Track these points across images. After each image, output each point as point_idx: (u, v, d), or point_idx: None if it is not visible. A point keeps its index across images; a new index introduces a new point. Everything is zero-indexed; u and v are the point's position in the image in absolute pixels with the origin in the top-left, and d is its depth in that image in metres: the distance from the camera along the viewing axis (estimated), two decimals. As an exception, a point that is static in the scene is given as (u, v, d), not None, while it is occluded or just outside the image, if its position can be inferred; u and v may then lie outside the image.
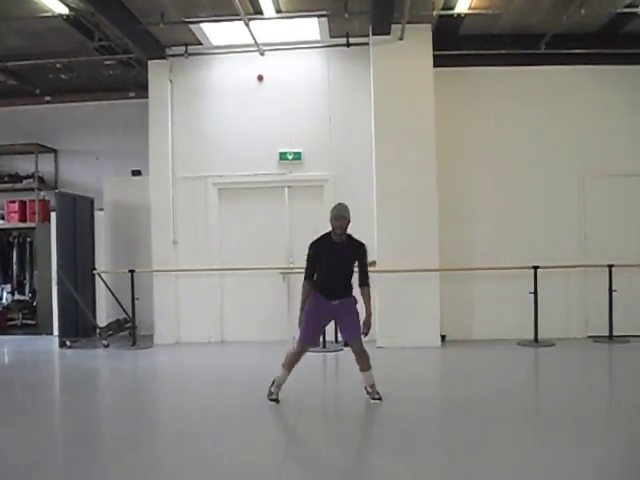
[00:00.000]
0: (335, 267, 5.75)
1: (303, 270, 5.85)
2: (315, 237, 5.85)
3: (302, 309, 5.77)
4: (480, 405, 5.76)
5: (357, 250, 5.82)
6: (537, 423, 5.31)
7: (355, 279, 5.88)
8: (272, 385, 5.85)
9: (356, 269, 5.87)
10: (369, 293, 5.84)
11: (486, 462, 4.32)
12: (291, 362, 5.81)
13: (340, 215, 5.67)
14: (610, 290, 8.71)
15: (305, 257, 5.86)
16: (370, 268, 8.56)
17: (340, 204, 5.79)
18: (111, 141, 11.08)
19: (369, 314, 5.77)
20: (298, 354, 5.79)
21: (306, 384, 6.56)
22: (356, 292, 5.89)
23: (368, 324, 5.74)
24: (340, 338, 8.00)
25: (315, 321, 5.80)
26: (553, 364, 7.87)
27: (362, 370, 5.84)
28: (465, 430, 5.06)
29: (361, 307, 5.81)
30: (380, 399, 5.77)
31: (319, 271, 5.80)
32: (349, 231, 5.79)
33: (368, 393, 5.83)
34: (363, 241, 5.90)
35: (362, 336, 5.76)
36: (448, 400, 6.26)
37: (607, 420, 5.41)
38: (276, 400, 5.79)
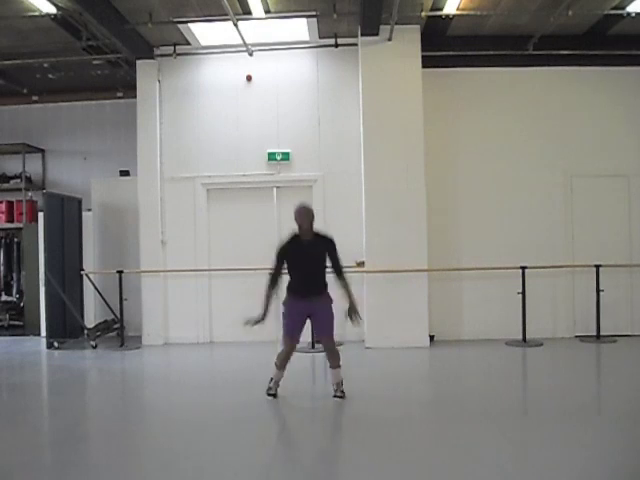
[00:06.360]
0: (307, 265, 5.87)
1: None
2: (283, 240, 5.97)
3: (264, 309, 5.86)
4: (467, 405, 5.78)
5: (326, 245, 5.89)
6: (525, 422, 5.34)
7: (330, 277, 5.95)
8: (270, 382, 6.09)
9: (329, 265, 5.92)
10: (347, 284, 5.87)
11: (472, 461, 4.33)
12: (282, 361, 6.05)
13: (303, 212, 5.85)
14: (597, 290, 8.77)
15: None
16: (359, 268, 8.72)
17: (301, 204, 6.00)
18: (99, 141, 11.06)
19: (352, 303, 5.82)
20: (287, 353, 6.04)
21: (295, 384, 6.53)
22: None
23: (354, 310, 5.82)
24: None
25: (294, 320, 5.98)
26: (541, 364, 7.92)
27: (331, 367, 6.03)
28: (452, 429, 5.07)
29: (338, 305, 5.96)
30: (342, 397, 5.91)
31: (292, 272, 5.93)
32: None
33: (334, 390, 5.98)
34: (330, 236, 5.97)
35: (332, 333, 5.97)
36: (435, 400, 6.27)
37: (595, 419, 5.43)
38: (274, 395, 6.07)
